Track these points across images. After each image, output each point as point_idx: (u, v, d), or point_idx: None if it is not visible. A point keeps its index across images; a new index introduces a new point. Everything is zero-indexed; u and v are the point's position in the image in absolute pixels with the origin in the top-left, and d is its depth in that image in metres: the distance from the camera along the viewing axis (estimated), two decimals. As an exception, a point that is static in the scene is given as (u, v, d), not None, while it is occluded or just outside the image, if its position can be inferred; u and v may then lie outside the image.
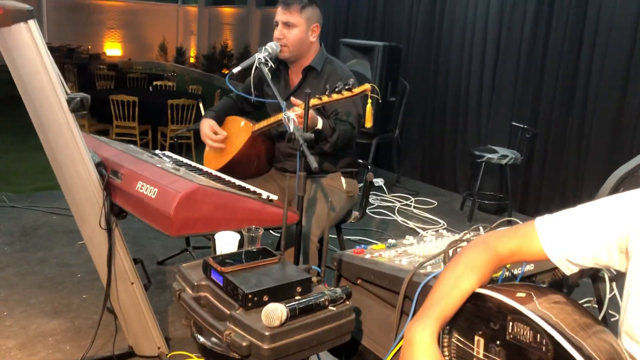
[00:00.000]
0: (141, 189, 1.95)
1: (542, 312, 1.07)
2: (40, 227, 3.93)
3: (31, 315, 2.74)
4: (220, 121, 2.73)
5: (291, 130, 2.03)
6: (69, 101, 1.95)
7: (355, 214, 2.92)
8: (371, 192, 3.48)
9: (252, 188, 2.20)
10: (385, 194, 5.32)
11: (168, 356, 2.42)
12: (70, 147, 1.99)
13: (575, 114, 4.62)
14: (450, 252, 1.63)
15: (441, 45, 5.76)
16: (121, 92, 7.30)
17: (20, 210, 4.25)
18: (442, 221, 4.65)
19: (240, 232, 1.79)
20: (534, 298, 1.13)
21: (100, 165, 2.11)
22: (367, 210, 3.07)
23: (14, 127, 8.16)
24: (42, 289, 3.02)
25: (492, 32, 5.24)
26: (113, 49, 20.55)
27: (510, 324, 1.10)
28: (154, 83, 9.57)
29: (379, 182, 5.47)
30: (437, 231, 2.22)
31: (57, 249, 3.56)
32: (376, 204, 4.96)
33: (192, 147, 6.97)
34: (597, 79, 4.44)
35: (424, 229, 4.36)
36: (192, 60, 20.29)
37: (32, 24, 1.84)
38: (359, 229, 4.22)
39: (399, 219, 4.66)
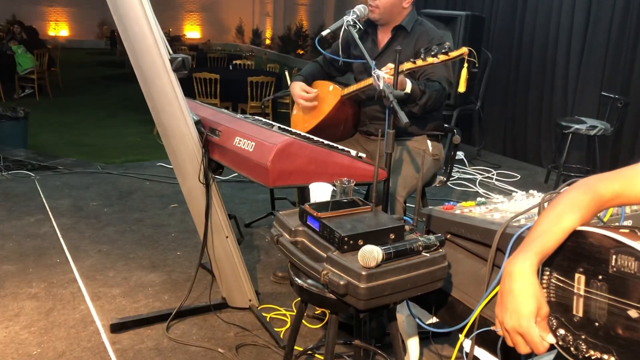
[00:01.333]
0: (239, 143, 2.05)
1: (649, 245, 1.06)
2: (135, 191, 4.18)
3: (131, 268, 2.94)
4: (308, 85, 2.79)
5: (381, 88, 2.05)
6: (172, 61, 2.07)
7: (440, 178, 2.92)
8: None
9: (341, 147, 2.25)
10: (466, 166, 5.26)
11: (258, 308, 2.54)
12: (173, 104, 2.11)
13: (672, 82, 4.38)
14: (545, 204, 1.62)
15: (526, 14, 5.57)
16: (203, 70, 7.56)
17: (115, 177, 4.53)
18: (525, 194, 4.54)
19: (332, 184, 1.85)
20: (639, 234, 1.12)
21: (199, 124, 2.23)
22: (448, 182, 3.06)
23: (105, 105, 8.66)
24: (140, 245, 3.23)
25: (581, -2, 5.02)
26: (192, 32, 21.18)
27: (614, 257, 1.09)
28: (234, 62, 9.82)
29: (459, 154, 5.40)
30: (527, 191, 2.19)
31: (151, 211, 3.78)
32: (456, 176, 4.91)
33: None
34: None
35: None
36: (267, 41, 20.58)
37: (140, -13, 1.96)
38: (440, 199, 4.20)
39: (481, 190, 4.60)
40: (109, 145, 6.22)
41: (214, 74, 7.27)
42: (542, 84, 5.47)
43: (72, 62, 13.22)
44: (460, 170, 5.14)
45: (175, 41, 15.86)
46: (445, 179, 2.95)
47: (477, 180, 4.86)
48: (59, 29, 19.08)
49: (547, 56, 5.39)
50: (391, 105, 2.02)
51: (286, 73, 3.36)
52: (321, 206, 1.67)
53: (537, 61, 5.50)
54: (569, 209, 1.20)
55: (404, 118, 1.98)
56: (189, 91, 7.34)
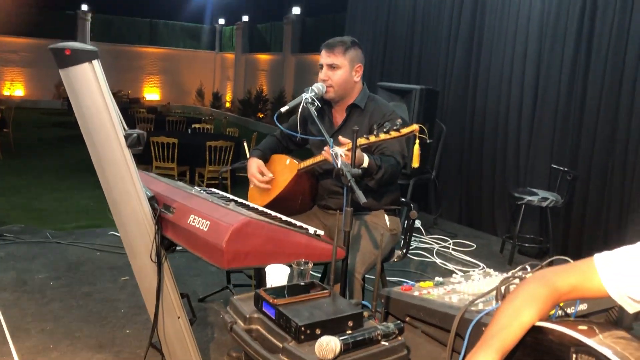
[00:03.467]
0: (193, 222, 1.99)
1: (607, 344, 1.05)
2: (84, 262, 4.01)
3: (77, 349, 2.77)
4: (265, 159, 2.79)
5: (339, 166, 2.06)
6: (127, 137, 2.03)
7: (398, 252, 2.91)
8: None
9: (299, 223, 2.22)
10: (423, 235, 5.29)
11: (211, 392, 2.42)
12: (126, 181, 2.05)
13: (616, 156, 4.56)
14: (503, 289, 1.62)
15: (478, 88, 5.80)
16: (161, 134, 7.51)
17: (64, 246, 4.36)
18: (481, 264, 4.59)
19: (289, 266, 1.81)
20: (597, 331, 1.11)
21: (153, 200, 2.17)
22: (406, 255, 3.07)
23: (58, 168, 8.46)
24: (87, 323, 3.07)
25: (529, 74, 5.25)
26: (152, 94, 21.24)
27: (574, 356, 1.08)
28: (193, 126, 9.83)
29: (416, 223, 5.45)
30: (484, 270, 2.20)
31: (101, 284, 3.62)
32: (414, 245, 4.92)
33: (228, 187, 7.10)
34: (638, 120, 4.39)
35: (464, 272, 4.30)
36: (227, 104, 20.78)
37: (96, 64, 1.94)
38: (398, 270, 4.19)
39: (438, 261, 4.61)
40: (60, 210, 6.03)
41: (172, 138, 7.23)
42: (495, 155, 5.63)
43: (26, 122, 12.99)
44: (418, 239, 5.17)
45: (133, 103, 15.86)
46: (403, 252, 2.94)
47: (435, 250, 4.88)
48: (14, 88, 18.84)
49: (498, 128, 5.58)
50: (349, 184, 2.02)
51: (245, 145, 3.36)
52: (277, 291, 1.62)
53: (489, 133, 5.68)
54: (527, 303, 1.19)
55: (361, 197, 1.97)
56: (145, 155, 7.26)
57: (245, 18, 20.18)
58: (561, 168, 4.78)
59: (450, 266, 4.49)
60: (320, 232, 2.14)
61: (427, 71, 6.43)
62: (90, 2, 19.53)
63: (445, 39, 6.17)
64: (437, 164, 5.75)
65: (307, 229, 2.13)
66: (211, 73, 22.56)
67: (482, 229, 5.74)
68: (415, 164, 2.33)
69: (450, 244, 5.11)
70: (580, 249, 4.79)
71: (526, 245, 4.92)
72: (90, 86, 1.94)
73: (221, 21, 22.55)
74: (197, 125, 9.82)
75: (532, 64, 5.23)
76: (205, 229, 1.93)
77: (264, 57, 19.17)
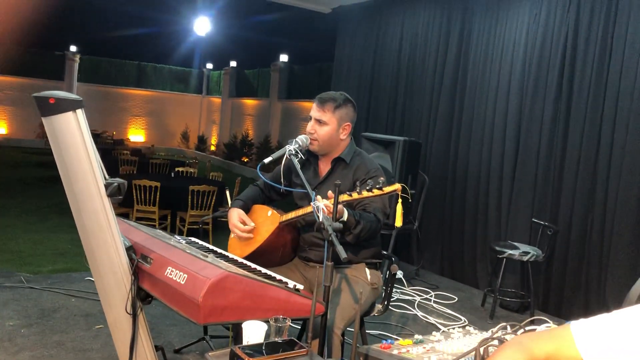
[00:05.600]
0: (170, 274, 1.96)
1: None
2: (58, 309, 3.91)
3: (44, 402, 2.68)
4: (247, 210, 2.77)
5: (320, 220, 2.06)
6: (107, 186, 2.02)
7: (379, 306, 2.88)
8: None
9: (279, 277, 2.20)
10: (405, 286, 5.26)
11: None
12: (104, 230, 2.03)
13: (595, 212, 4.62)
14: (482, 350, 1.60)
15: (460, 141, 5.88)
16: (144, 177, 7.46)
17: (39, 292, 4.25)
18: (463, 317, 4.55)
19: (267, 322, 1.78)
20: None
21: (131, 250, 2.14)
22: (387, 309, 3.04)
23: (36, 209, 8.33)
24: (57, 374, 2.97)
25: (510, 130, 5.34)
26: (137, 135, 21.23)
27: None
28: (176, 169, 9.78)
29: (398, 274, 5.42)
30: (464, 327, 2.18)
31: (74, 332, 3.52)
32: (396, 297, 4.89)
33: (209, 233, 7.03)
34: (617, 176, 4.46)
35: (445, 326, 4.27)
36: (212, 148, 20.82)
37: (80, 112, 1.95)
38: (379, 323, 4.13)
39: (420, 313, 4.57)
40: (37, 252, 5.89)
41: (155, 181, 7.18)
42: (477, 208, 5.67)
43: (7, 161, 12.86)
44: (399, 290, 5.13)
45: (118, 145, 15.80)
46: (384, 306, 2.91)
47: (416, 302, 4.84)
48: (-3, 127, 18.75)
49: (480, 181, 5.64)
50: (330, 238, 2.02)
51: (227, 193, 3.35)
52: (253, 349, 1.59)
53: (471, 185, 5.74)
54: (505, 371, 1.18)
55: (342, 253, 1.97)
56: (127, 199, 7.18)
57: (233, 63, 20.48)
58: (542, 222, 4.82)
59: (432, 319, 4.45)
60: (300, 287, 2.12)
61: (410, 123, 6.53)
62: (79, 43, 19.70)
63: (429, 93, 6.30)
64: (419, 215, 5.78)
65: (286, 283, 2.11)
66: (197, 116, 22.68)
67: (464, 282, 5.73)
68: (399, 223, 2.34)
69: (431, 296, 5.08)
70: (561, 303, 4.79)
71: (507, 299, 4.91)
72: (72, 135, 1.94)
73: (209, 66, 22.84)
74: (180, 169, 9.76)
75: (513, 120, 5.32)
76: (183, 282, 1.90)
77: (250, 102, 19.36)
